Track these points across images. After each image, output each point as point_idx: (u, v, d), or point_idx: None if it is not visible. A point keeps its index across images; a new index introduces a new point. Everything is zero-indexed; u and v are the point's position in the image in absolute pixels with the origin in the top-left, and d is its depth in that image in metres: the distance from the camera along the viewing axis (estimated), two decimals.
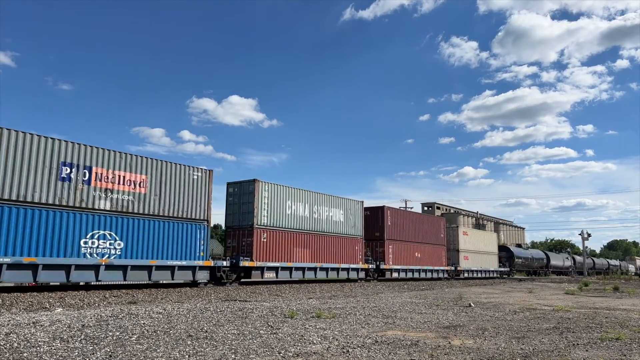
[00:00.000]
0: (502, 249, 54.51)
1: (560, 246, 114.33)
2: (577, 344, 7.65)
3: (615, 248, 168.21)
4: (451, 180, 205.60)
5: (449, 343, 7.55)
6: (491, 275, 46.94)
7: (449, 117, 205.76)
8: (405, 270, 34.36)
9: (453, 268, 40.26)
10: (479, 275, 44.38)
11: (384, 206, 32.80)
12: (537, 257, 61.31)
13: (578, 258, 75.81)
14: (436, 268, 37.75)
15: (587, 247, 79.38)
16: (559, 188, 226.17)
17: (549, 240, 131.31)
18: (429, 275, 36.97)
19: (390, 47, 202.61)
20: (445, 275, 39.06)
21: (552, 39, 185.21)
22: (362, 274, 30.13)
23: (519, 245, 72.52)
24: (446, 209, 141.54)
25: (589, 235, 73.35)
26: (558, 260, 67.62)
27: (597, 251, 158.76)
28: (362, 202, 31.10)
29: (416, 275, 35.50)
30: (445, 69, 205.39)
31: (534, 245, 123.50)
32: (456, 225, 39.59)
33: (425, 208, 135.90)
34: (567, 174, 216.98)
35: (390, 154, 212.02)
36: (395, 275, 33.34)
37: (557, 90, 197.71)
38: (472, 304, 14.62)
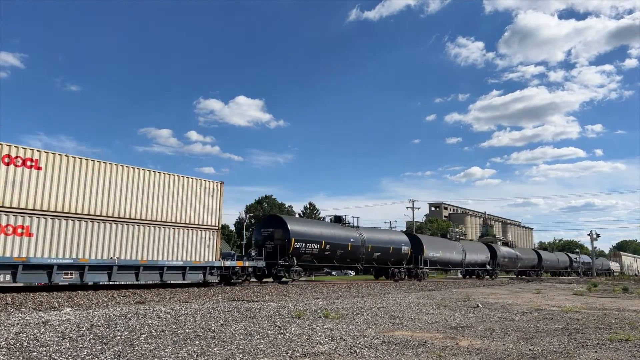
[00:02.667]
0: (273, 222, 26.71)
1: (569, 247, 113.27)
2: (587, 345, 7.59)
3: (625, 248, 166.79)
4: (458, 181, 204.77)
5: (457, 344, 7.52)
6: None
7: (455, 117, 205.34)
8: None
9: None
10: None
11: None
12: (380, 244, 31.65)
13: (504, 250, 51.94)
14: None
15: (596, 247, 78.71)
16: (567, 188, 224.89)
17: (557, 241, 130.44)
18: None
19: (396, 47, 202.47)
20: None
21: (559, 38, 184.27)
22: None
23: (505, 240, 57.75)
24: (453, 210, 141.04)
25: (598, 235, 72.72)
26: (444, 251, 39.60)
27: (606, 252, 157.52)
28: None
29: None
30: (451, 69, 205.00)
31: (541, 246, 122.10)
32: None
33: (433, 208, 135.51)
34: (575, 174, 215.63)
35: (396, 154, 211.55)
36: None
37: (565, 90, 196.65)
38: (479, 305, 14.55)
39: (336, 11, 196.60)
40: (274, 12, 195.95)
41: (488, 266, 45.81)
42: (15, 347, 6.45)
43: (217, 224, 21.83)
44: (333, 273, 51.15)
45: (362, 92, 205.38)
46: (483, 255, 45.71)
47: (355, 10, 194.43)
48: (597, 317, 11.68)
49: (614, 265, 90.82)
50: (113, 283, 19.22)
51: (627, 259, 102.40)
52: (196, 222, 21.04)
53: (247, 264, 23.21)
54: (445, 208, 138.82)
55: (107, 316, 9.92)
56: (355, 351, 6.73)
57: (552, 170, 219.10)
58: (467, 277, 45.04)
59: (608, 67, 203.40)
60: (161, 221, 19.63)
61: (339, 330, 8.60)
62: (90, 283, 18.60)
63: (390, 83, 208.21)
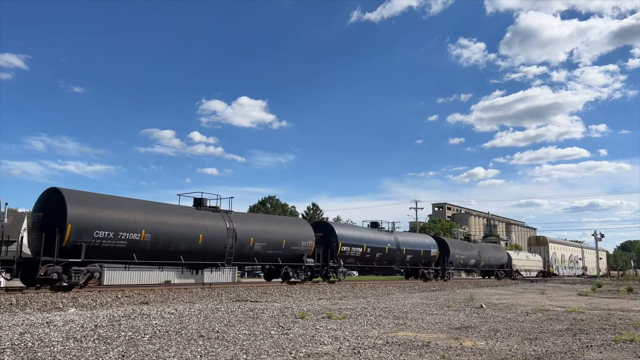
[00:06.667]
0: (47, 200, 17.37)
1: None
2: (591, 346, 7.57)
3: (629, 249, 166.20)
4: (461, 181, 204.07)
5: (461, 344, 7.51)
6: None
7: (457, 118, 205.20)
8: None
9: None
10: None
11: None
12: (261, 235, 23.13)
13: (460, 245, 42.09)
14: None
15: (599, 247, 78.32)
16: (570, 188, 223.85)
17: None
18: None
19: (398, 48, 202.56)
20: None
21: (561, 38, 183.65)
22: None
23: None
24: (457, 210, 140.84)
25: (602, 235, 72.33)
26: (369, 244, 29.73)
27: (611, 252, 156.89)
28: None
29: None
30: (453, 70, 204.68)
31: None
32: None
33: (436, 209, 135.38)
34: (579, 174, 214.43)
35: (399, 155, 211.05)
36: None
37: (569, 90, 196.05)
38: (483, 305, 14.53)
39: (338, 12, 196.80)
40: (277, 13, 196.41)
41: (434, 264, 36.32)
42: (19, 348, 6.48)
43: None
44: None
45: (364, 92, 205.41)
46: (429, 251, 35.67)
47: (356, 11, 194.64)
48: (601, 318, 11.64)
49: (526, 260, 52.48)
50: (117, 284, 19.26)
51: (562, 249, 62.32)
52: None
53: None
54: (449, 208, 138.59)
55: (111, 317, 9.94)
56: (359, 352, 6.73)
57: (556, 171, 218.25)
58: (412, 277, 36.13)
59: (612, 67, 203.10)
60: None
61: (343, 331, 8.60)
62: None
63: (392, 84, 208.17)
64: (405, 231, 40.12)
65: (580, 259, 67.70)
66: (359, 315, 11.32)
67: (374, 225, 32.77)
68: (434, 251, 36.15)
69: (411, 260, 33.95)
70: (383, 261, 31.56)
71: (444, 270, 37.10)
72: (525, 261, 52.17)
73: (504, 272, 46.65)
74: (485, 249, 45.35)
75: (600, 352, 7.06)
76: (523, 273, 50.50)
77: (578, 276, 61.04)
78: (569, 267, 62.54)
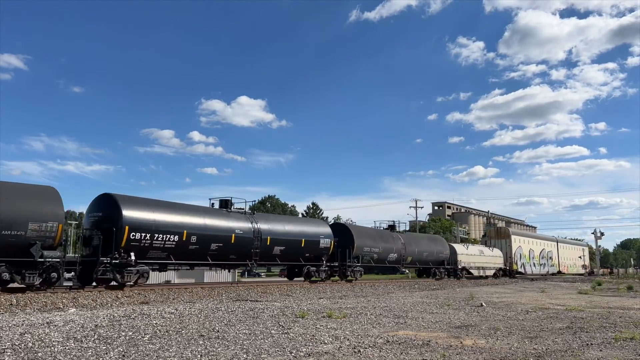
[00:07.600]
0: None
1: None
2: (591, 344, 7.57)
3: (629, 247, 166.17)
4: (461, 180, 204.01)
5: (461, 343, 7.51)
6: None
7: (456, 117, 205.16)
8: None
9: None
10: None
11: None
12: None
13: (371, 234, 31.71)
14: None
15: (600, 246, 78.26)
16: (570, 187, 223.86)
17: None
18: None
19: (397, 48, 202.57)
20: None
21: (561, 37, 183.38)
22: None
23: None
24: (457, 209, 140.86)
25: (602, 234, 72.37)
26: (198, 231, 20.33)
27: (610, 250, 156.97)
28: None
29: None
30: (452, 68, 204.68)
31: None
32: None
33: (436, 208, 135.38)
34: (578, 173, 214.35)
35: (398, 154, 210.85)
36: None
37: (568, 88, 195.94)
38: (483, 304, 14.53)
39: (337, 12, 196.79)
40: (276, 12, 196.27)
41: (325, 259, 26.69)
42: (20, 348, 6.48)
43: None
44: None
45: (363, 92, 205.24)
46: (317, 241, 26.22)
47: (355, 11, 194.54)
48: (601, 316, 11.65)
49: (479, 256, 42.60)
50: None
51: (530, 243, 51.93)
52: None
53: None
54: (449, 207, 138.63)
55: (112, 317, 9.94)
56: (359, 351, 6.73)
57: (555, 169, 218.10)
58: (299, 278, 26.84)
59: (611, 65, 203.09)
60: None
61: (343, 330, 8.60)
62: None
63: (391, 83, 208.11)
64: (277, 213, 25.40)
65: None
66: (359, 314, 11.32)
67: (224, 205, 23.44)
68: (326, 242, 26.61)
69: (284, 254, 24.53)
70: (227, 255, 21.92)
71: (344, 268, 27.79)
72: (478, 257, 42.26)
73: (445, 270, 37.62)
74: (416, 241, 35.86)
75: (601, 351, 7.06)
76: (474, 272, 40.88)
77: (552, 274, 53.74)
78: (540, 264, 52.75)
